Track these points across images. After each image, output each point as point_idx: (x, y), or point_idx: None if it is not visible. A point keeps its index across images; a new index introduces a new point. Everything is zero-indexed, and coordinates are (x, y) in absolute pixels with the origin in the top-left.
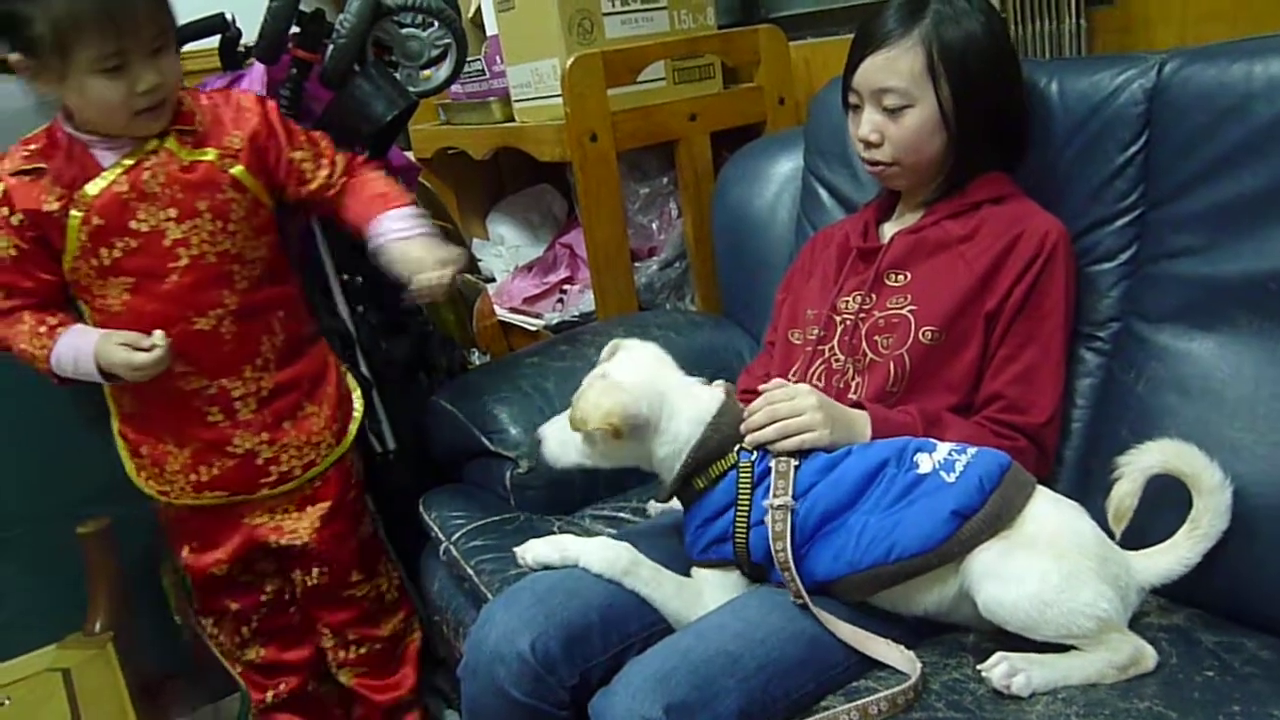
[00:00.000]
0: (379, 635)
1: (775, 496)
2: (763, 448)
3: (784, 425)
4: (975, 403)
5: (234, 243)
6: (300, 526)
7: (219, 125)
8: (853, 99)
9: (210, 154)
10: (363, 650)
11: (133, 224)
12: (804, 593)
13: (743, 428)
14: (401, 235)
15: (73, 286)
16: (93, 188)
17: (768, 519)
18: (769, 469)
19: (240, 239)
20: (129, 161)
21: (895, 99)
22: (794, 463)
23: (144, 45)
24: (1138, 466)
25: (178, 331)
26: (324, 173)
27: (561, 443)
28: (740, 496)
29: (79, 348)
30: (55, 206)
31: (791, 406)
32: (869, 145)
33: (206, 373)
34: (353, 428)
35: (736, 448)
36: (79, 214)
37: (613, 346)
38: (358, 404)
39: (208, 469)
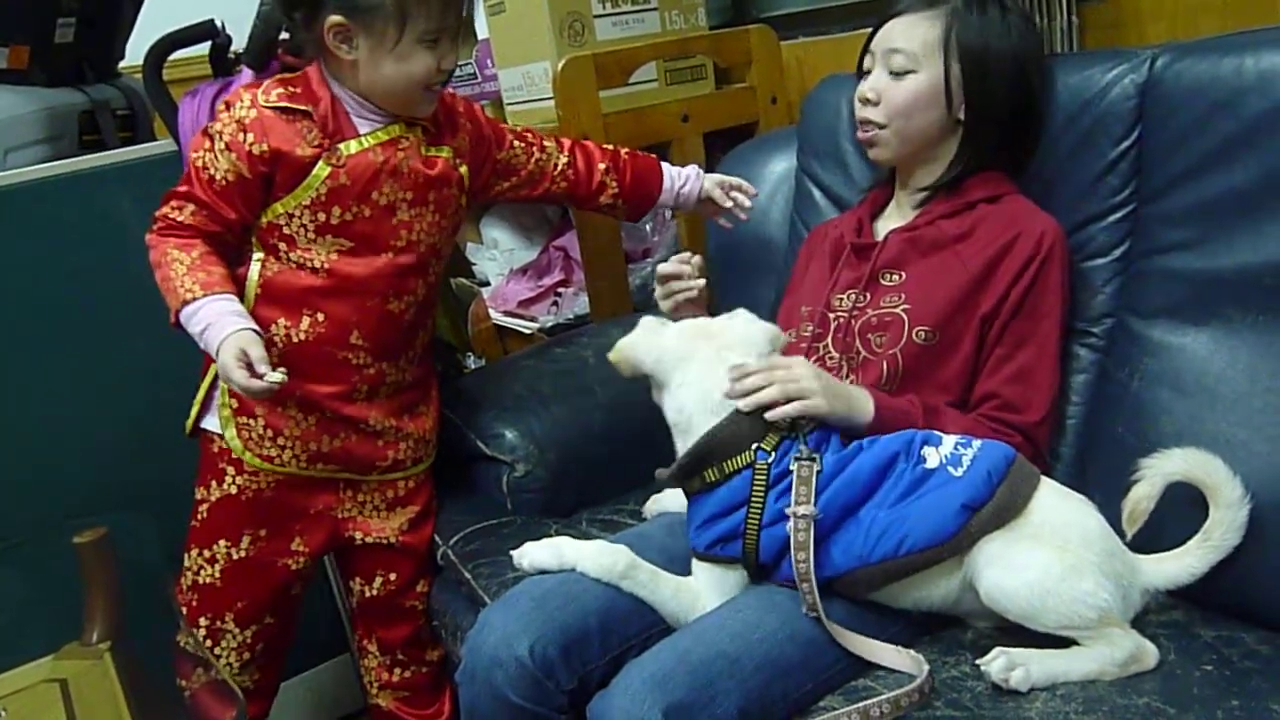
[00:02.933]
0: (427, 659)
1: (798, 504)
2: (780, 443)
3: (784, 387)
4: (971, 400)
5: (441, 238)
6: (389, 526)
7: (450, 125)
8: (866, 63)
9: (446, 151)
10: (408, 674)
11: (374, 194)
12: (819, 607)
13: (736, 391)
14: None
15: (266, 233)
16: (347, 147)
17: (789, 527)
18: (786, 471)
19: (445, 235)
20: (384, 135)
21: (902, 60)
22: (816, 467)
23: (455, 28)
24: (1160, 471)
25: (372, 305)
26: (534, 156)
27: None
28: (754, 498)
29: (215, 327)
30: (308, 153)
31: (789, 374)
32: (865, 103)
33: (375, 352)
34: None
35: (755, 446)
36: (328, 168)
37: (736, 313)
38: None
39: (330, 439)
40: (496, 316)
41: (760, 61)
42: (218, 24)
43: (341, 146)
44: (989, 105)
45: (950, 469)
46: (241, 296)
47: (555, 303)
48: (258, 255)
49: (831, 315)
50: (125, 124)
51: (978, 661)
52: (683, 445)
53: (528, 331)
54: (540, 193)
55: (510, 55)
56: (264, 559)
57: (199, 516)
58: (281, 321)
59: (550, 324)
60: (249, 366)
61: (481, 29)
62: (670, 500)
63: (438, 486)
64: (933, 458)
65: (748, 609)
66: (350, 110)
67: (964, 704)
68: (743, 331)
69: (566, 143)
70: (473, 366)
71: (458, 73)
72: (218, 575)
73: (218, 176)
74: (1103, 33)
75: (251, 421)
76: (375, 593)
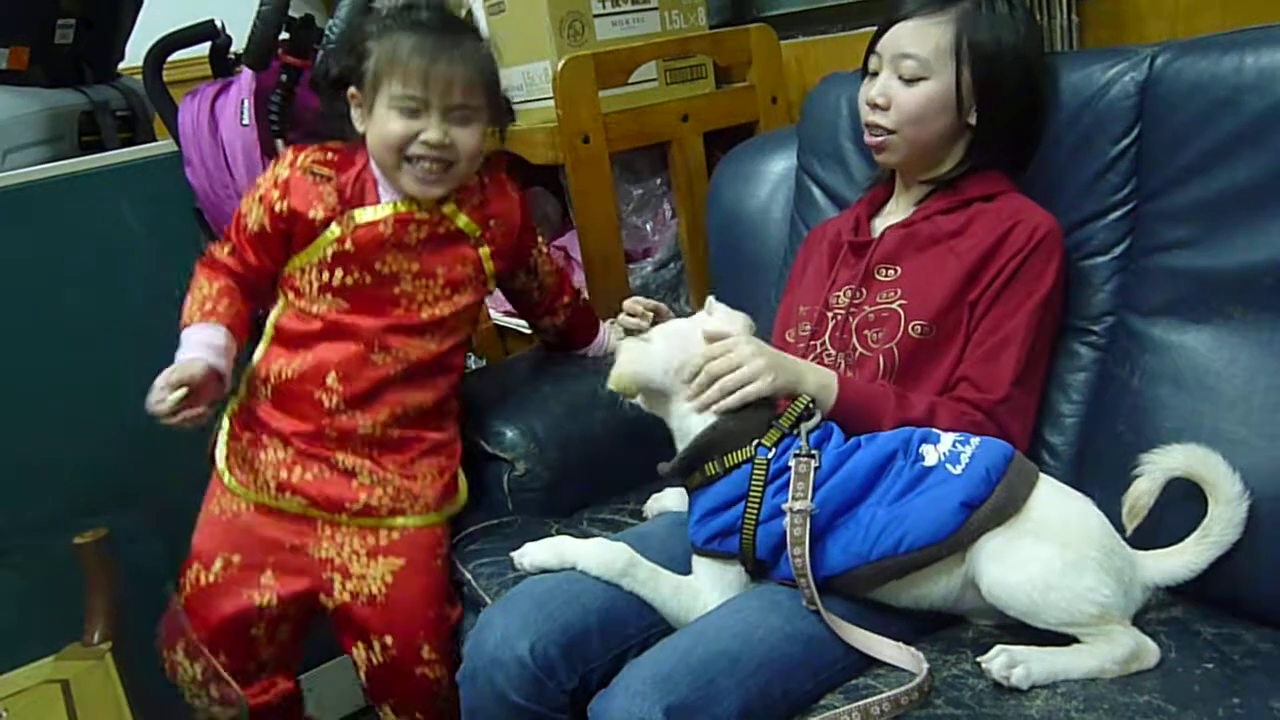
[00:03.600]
0: None
1: (795, 500)
2: (781, 439)
3: (722, 383)
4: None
5: (449, 311)
6: (370, 575)
7: (489, 206)
8: (872, 64)
9: (471, 228)
10: None
11: (377, 264)
12: (818, 600)
13: (688, 396)
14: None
15: (285, 281)
16: (362, 215)
17: (786, 522)
18: (785, 467)
19: (452, 309)
20: (402, 208)
21: (913, 67)
22: (814, 463)
23: (444, 105)
24: (1160, 467)
25: (354, 354)
26: (547, 268)
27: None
28: (752, 493)
29: (181, 350)
30: (320, 216)
31: (728, 361)
32: (874, 108)
33: (349, 400)
34: (455, 503)
35: (755, 442)
36: (337, 230)
37: (709, 305)
38: (463, 485)
39: (303, 472)
40: (497, 316)
41: (760, 61)
42: (217, 25)
43: (356, 213)
44: (999, 108)
45: (949, 466)
46: (257, 336)
47: None
48: (280, 300)
49: (829, 314)
50: (125, 125)
51: (979, 659)
52: (684, 441)
53: (528, 331)
54: (531, 302)
55: (510, 55)
56: (228, 586)
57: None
58: (282, 361)
59: None
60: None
61: (482, 28)
62: (671, 500)
63: None
64: (931, 455)
65: (748, 608)
66: (378, 179)
67: (964, 702)
68: (718, 322)
69: (558, 265)
70: (474, 366)
71: None
72: (184, 600)
73: (250, 224)
74: (1103, 31)
75: (237, 443)
76: (378, 660)
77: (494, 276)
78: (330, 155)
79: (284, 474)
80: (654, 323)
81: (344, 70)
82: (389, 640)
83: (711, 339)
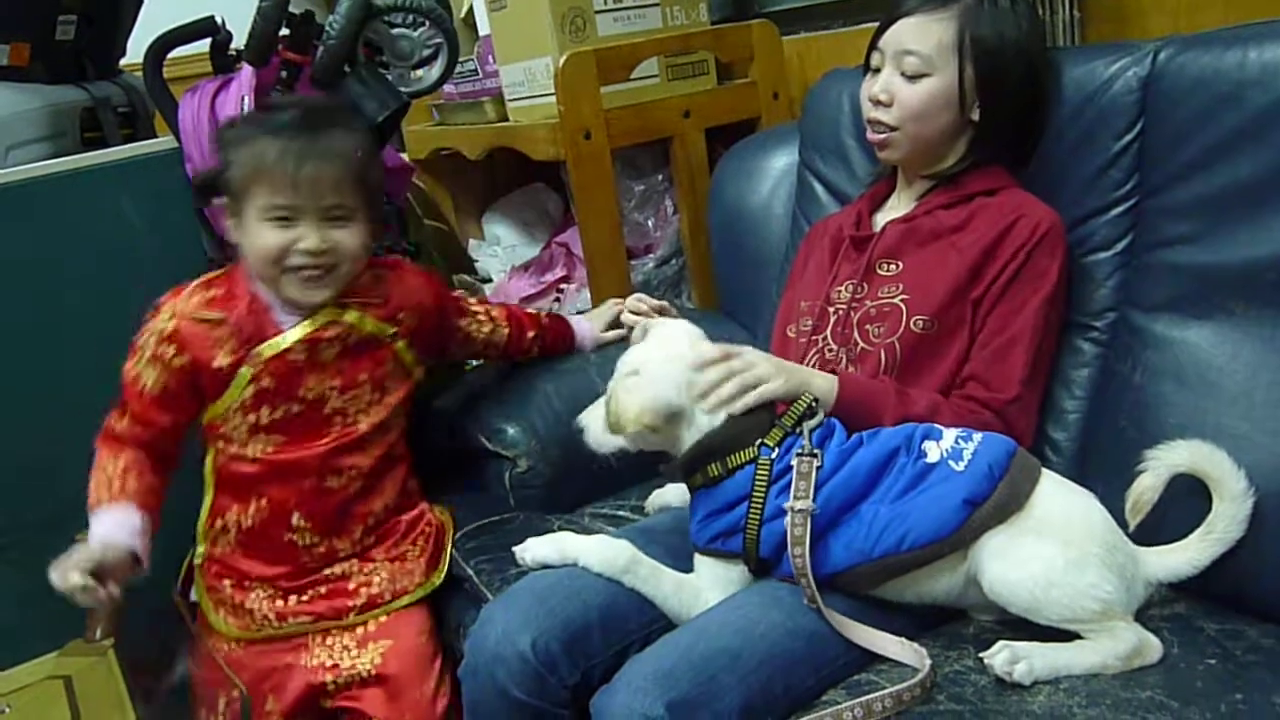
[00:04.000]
0: None
1: (796, 499)
2: (784, 438)
3: (742, 379)
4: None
5: (387, 414)
6: (359, 662)
7: (394, 295)
8: (874, 60)
9: (384, 329)
10: None
11: (301, 391)
12: (819, 599)
13: (696, 391)
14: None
15: (209, 430)
16: (269, 349)
17: (787, 521)
18: (789, 467)
19: (387, 409)
20: (309, 326)
21: (916, 63)
22: (816, 463)
23: (318, 209)
24: (1165, 462)
25: (309, 486)
26: (486, 328)
27: (602, 432)
28: (755, 493)
29: (92, 530)
30: (226, 362)
31: (742, 363)
32: (877, 104)
33: (321, 530)
34: (442, 566)
35: (758, 441)
36: (249, 371)
37: (642, 328)
38: (449, 540)
39: (298, 598)
40: None
41: (762, 57)
42: (218, 21)
43: (261, 348)
44: (1002, 103)
45: (951, 463)
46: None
47: (557, 298)
48: (211, 446)
49: (831, 309)
50: (126, 121)
51: (981, 655)
52: (687, 440)
53: None
54: (479, 354)
55: (511, 51)
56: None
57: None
58: (235, 509)
59: None
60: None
61: (483, 25)
62: (672, 495)
63: (438, 482)
64: (933, 452)
65: (750, 604)
66: (272, 305)
67: (966, 698)
68: (684, 330)
69: (503, 313)
70: (475, 363)
71: (459, 69)
72: None
73: (148, 388)
74: (1105, 26)
75: (222, 595)
76: None
77: (417, 364)
78: (212, 293)
79: (280, 603)
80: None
81: (207, 178)
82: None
83: (726, 354)
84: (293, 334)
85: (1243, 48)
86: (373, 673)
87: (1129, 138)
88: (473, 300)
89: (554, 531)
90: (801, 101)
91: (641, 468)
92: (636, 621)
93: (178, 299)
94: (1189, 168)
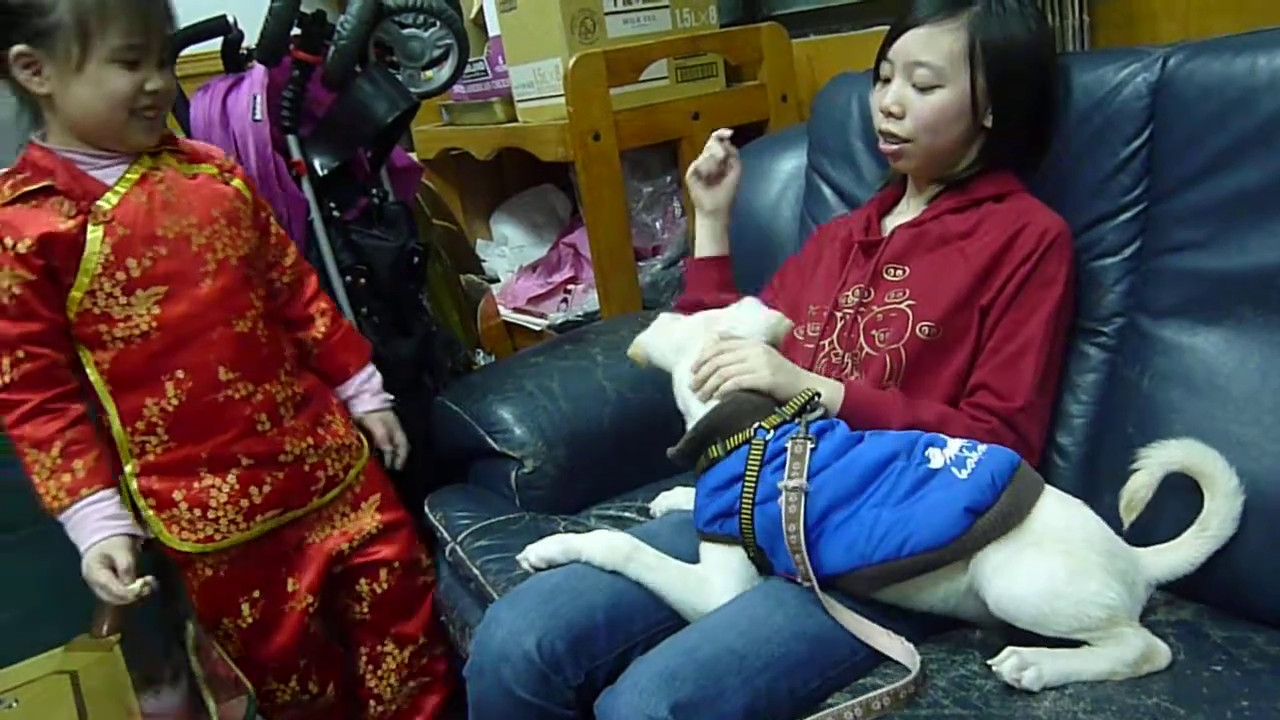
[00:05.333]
0: (439, 650)
1: (790, 478)
2: (780, 424)
3: (722, 370)
4: (963, 395)
5: (249, 248)
6: (364, 521)
7: (207, 151)
8: (884, 70)
9: (208, 168)
10: (425, 660)
11: (159, 231)
12: (812, 575)
13: (693, 384)
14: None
15: (80, 326)
16: (107, 201)
17: (781, 500)
18: (783, 449)
19: (252, 245)
20: (134, 175)
21: (927, 75)
22: (810, 445)
23: (159, 47)
24: (1157, 460)
25: (220, 335)
26: (280, 256)
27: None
28: (748, 471)
29: (83, 535)
30: (70, 224)
31: (733, 355)
32: (889, 116)
33: (252, 377)
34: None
35: (755, 425)
36: (99, 227)
37: (744, 300)
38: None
39: (259, 489)
40: (506, 313)
41: (771, 59)
42: (230, 20)
43: (100, 203)
44: (1015, 108)
45: (954, 470)
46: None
47: (565, 299)
48: (85, 357)
49: (838, 313)
50: None
51: (989, 661)
52: (690, 425)
53: (537, 328)
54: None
55: (521, 52)
56: (268, 619)
57: (192, 599)
58: (149, 401)
59: (560, 321)
60: (114, 572)
61: (493, 26)
62: (678, 498)
63: (445, 482)
64: (937, 458)
65: (755, 606)
66: (86, 167)
67: (972, 703)
68: (744, 319)
69: (306, 276)
70: (482, 363)
71: (468, 70)
72: (235, 647)
73: (7, 302)
74: (1115, 31)
75: (176, 510)
76: (385, 586)
77: (254, 203)
78: (21, 175)
79: (244, 502)
80: (724, 167)
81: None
82: (396, 564)
83: (724, 339)
84: (123, 184)
85: (1253, 54)
86: (379, 525)
87: (1138, 143)
88: (290, 255)
89: (559, 533)
90: (810, 104)
91: (647, 469)
92: (642, 623)
93: None
94: (1198, 173)
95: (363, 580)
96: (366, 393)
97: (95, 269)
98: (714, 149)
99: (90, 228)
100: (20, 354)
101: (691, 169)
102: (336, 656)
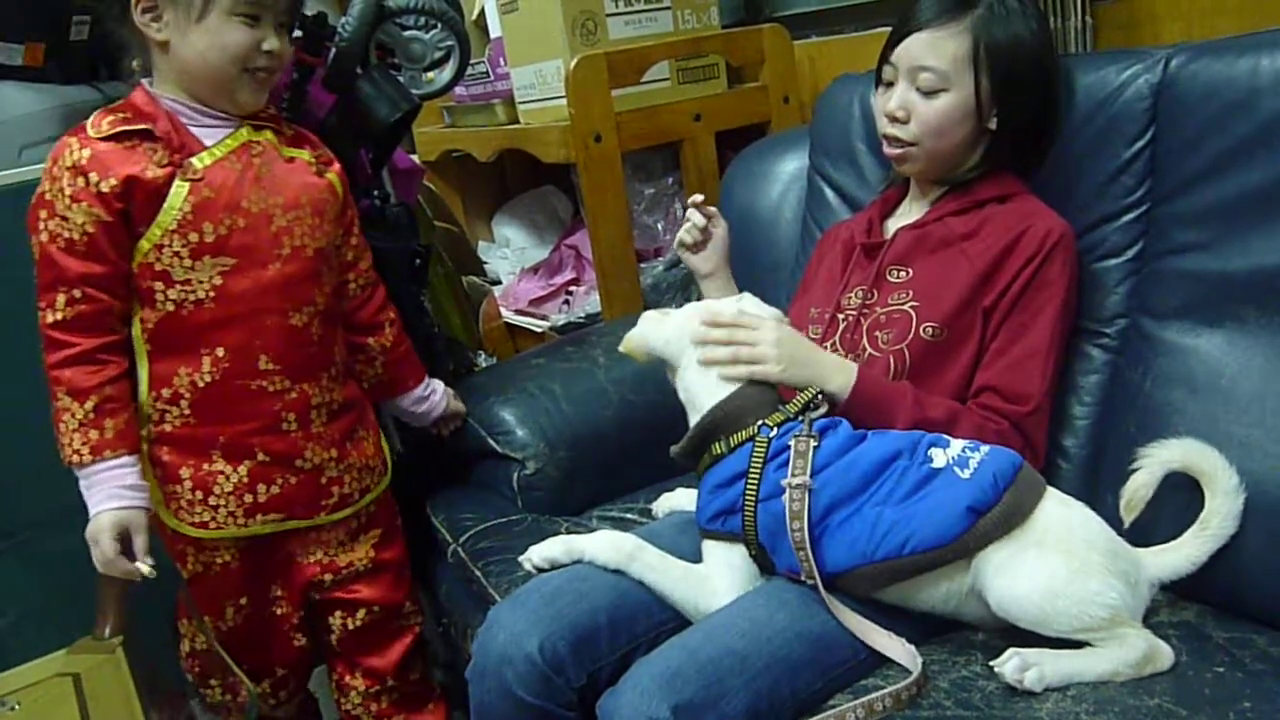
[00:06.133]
0: (421, 679)
1: (794, 475)
2: (784, 422)
3: (734, 351)
4: (969, 394)
5: (328, 241)
6: (355, 556)
7: (307, 137)
8: (887, 74)
9: (305, 154)
10: (398, 696)
11: (244, 203)
12: (816, 573)
13: (697, 338)
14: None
15: (139, 278)
16: (200, 160)
17: (785, 498)
18: (786, 446)
19: (332, 240)
20: (233, 142)
21: (931, 79)
22: (814, 443)
23: (281, 9)
24: (1158, 459)
25: (273, 324)
26: (357, 257)
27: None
28: (751, 468)
29: (97, 497)
30: (159, 174)
31: (749, 336)
32: (894, 120)
33: (292, 373)
34: (389, 458)
35: (759, 422)
36: (185, 184)
37: (741, 296)
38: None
39: (266, 488)
40: (508, 315)
41: (773, 61)
42: None
43: (194, 160)
44: (1019, 109)
45: (957, 470)
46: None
47: (566, 301)
48: (138, 308)
49: (841, 315)
50: None
51: (991, 663)
52: (694, 422)
53: (539, 330)
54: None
55: (522, 54)
56: (252, 625)
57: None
58: (183, 370)
59: (561, 322)
60: (125, 546)
61: (494, 27)
62: (680, 499)
63: (446, 484)
64: (939, 458)
65: (757, 607)
66: (189, 121)
67: (974, 704)
68: (762, 312)
69: (381, 297)
70: (484, 364)
71: (470, 71)
72: (218, 641)
73: (77, 238)
74: (1117, 33)
75: (179, 488)
76: (360, 624)
77: (343, 200)
78: (123, 114)
79: (248, 498)
80: (707, 232)
81: None
82: (376, 608)
83: (736, 322)
84: (221, 147)
85: (1255, 55)
86: (370, 563)
87: (1140, 144)
88: (367, 259)
89: (561, 535)
90: (812, 106)
91: (649, 470)
92: (644, 624)
93: (82, 132)
94: (1201, 175)
95: (338, 613)
96: (424, 404)
97: (170, 224)
98: (694, 218)
99: (177, 182)
100: (78, 293)
101: (677, 242)
102: (308, 671)
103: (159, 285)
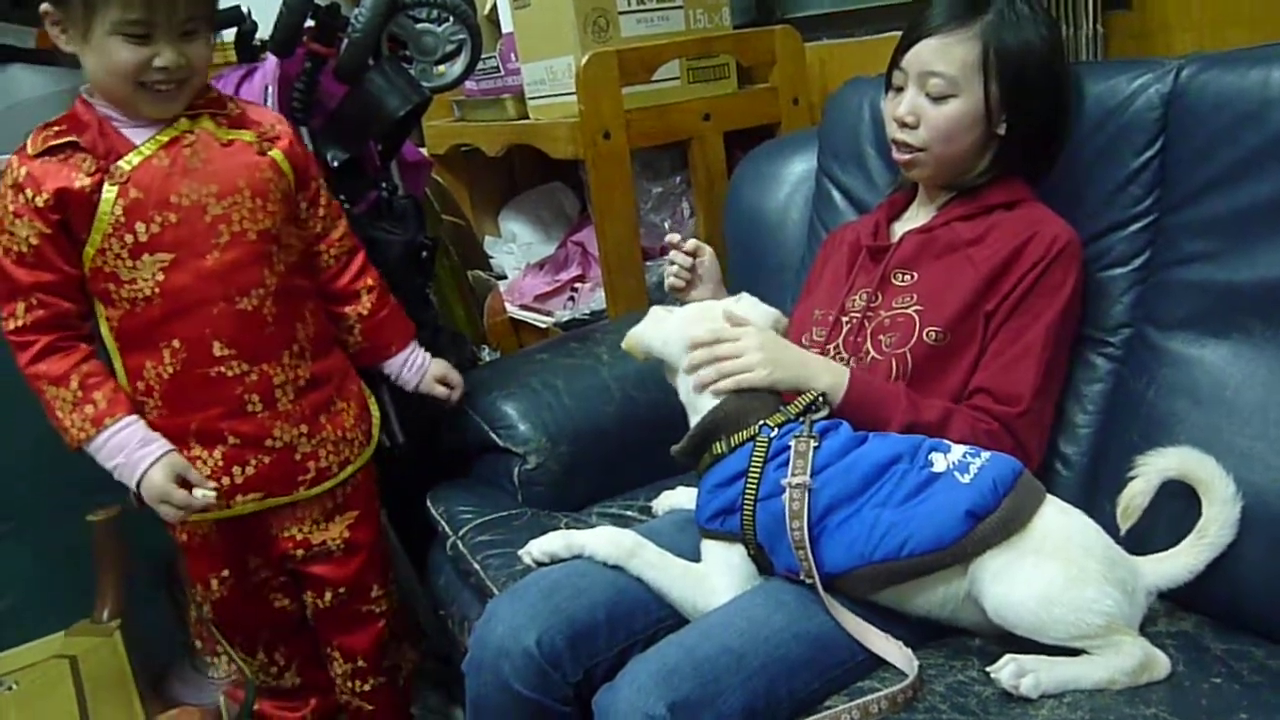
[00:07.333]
0: (394, 667)
1: (794, 475)
2: (785, 423)
3: (719, 366)
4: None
5: (273, 222)
6: (328, 535)
7: (254, 117)
8: (896, 79)
9: (247, 135)
10: (370, 685)
11: (173, 198)
12: (815, 572)
13: (686, 368)
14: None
15: (93, 282)
16: (127, 162)
17: (784, 497)
18: (787, 446)
19: (279, 219)
20: (164, 138)
21: (941, 85)
22: (814, 443)
23: (174, 23)
24: (1155, 467)
25: (220, 311)
26: (325, 228)
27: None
28: (751, 467)
29: (128, 463)
30: (87, 182)
31: (731, 348)
32: (903, 125)
33: (248, 356)
34: (374, 430)
35: (759, 422)
36: (114, 187)
37: (739, 296)
38: (373, 405)
39: (242, 469)
40: (512, 310)
41: (783, 62)
42: (243, 10)
43: (120, 163)
44: (1029, 114)
45: (957, 475)
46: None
47: (571, 297)
48: (99, 311)
49: (844, 317)
50: None
51: (988, 669)
52: (694, 422)
53: (543, 325)
54: (309, 252)
55: (533, 49)
56: (237, 596)
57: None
58: (149, 364)
59: (566, 318)
60: (185, 485)
61: (506, 23)
62: (680, 497)
63: (447, 477)
64: (940, 463)
65: (755, 607)
66: (119, 124)
67: (970, 709)
68: (744, 314)
69: (354, 251)
70: (487, 359)
71: (481, 66)
72: (208, 610)
73: (25, 251)
74: (1128, 42)
75: None
76: (326, 604)
77: (298, 183)
78: (56, 129)
79: (225, 480)
80: (694, 269)
81: None
82: (342, 590)
83: (732, 322)
84: (148, 145)
85: (1267, 67)
86: (343, 543)
87: (1150, 154)
88: (340, 228)
89: (560, 530)
90: (822, 108)
91: (650, 468)
92: (642, 621)
93: (23, 150)
94: (1210, 185)
95: (309, 590)
96: (408, 370)
97: (106, 228)
98: (678, 259)
99: (106, 187)
100: (34, 300)
101: (668, 286)
102: (303, 636)
103: (111, 286)
